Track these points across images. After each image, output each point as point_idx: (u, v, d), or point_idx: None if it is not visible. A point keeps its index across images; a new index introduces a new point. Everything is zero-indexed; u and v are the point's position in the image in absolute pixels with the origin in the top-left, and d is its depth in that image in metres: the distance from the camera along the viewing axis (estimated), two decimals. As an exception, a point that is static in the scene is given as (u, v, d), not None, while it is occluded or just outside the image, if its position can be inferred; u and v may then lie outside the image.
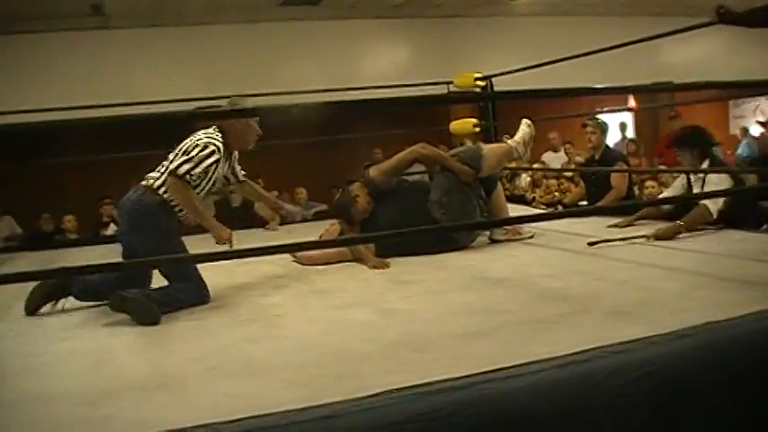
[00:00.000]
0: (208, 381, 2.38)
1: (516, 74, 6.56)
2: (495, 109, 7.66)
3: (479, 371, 2.16)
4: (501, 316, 2.92)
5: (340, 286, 3.89)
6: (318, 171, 11.17)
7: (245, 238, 5.91)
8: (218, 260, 2.96)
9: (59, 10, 9.35)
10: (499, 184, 5.40)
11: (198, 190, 3.72)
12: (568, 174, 9.26)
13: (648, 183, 8.54)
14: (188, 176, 3.63)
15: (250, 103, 6.05)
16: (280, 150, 6.57)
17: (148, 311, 3.26)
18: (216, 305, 3.63)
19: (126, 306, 3.28)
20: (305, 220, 6.80)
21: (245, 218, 6.82)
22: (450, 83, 7.44)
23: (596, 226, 5.06)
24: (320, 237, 5.32)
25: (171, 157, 3.75)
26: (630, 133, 12.99)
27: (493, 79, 7.09)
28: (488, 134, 7.43)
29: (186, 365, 2.58)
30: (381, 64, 11.31)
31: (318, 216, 7.30)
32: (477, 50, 10.98)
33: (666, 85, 9.02)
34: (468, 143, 9.81)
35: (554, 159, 10.77)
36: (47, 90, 8.86)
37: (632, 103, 12.51)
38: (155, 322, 3.23)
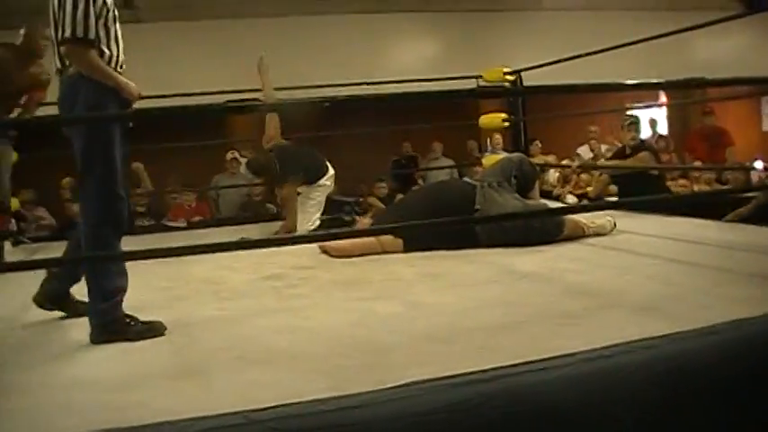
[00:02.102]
0: (234, 369, 2.40)
1: (545, 68, 6.53)
2: (525, 104, 7.62)
3: (504, 364, 2.16)
4: (527, 309, 2.93)
5: (367, 278, 3.91)
6: (346, 165, 11.19)
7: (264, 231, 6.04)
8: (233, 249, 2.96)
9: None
10: (537, 184, 5.37)
11: None
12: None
13: (681, 182, 8.49)
14: None
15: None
16: (307, 144, 6.59)
17: None
18: (243, 295, 3.66)
19: None
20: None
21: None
22: (480, 77, 7.43)
23: (627, 221, 5.03)
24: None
25: None
26: (662, 129, 12.88)
27: (522, 74, 7.06)
28: (517, 129, 7.40)
29: (212, 354, 2.61)
30: (410, 58, 11.30)
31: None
32: (507, 45, 10.94)
33: (698, 80, 8.99)
34: (498, 138, 9.82)
35: (589, 153, 10.71)
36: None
37: (663, 98, 12.40)
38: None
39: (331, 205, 6.42)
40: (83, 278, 3.11)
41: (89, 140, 2.97)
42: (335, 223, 6.12)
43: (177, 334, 2.97)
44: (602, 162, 9.06)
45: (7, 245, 6.10)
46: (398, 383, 2.04)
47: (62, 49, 3.00)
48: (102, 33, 3.03)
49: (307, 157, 6.17)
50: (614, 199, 8.57)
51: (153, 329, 2.97)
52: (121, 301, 3.00)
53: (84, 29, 2.91)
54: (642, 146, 6.75)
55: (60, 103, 3.11)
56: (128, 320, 2.98)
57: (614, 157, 7.25)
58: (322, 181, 6.09)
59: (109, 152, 2.98)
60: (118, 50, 3.19)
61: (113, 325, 2.92)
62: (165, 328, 2.98)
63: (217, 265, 4.36)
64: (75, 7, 2.90)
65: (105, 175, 2.97)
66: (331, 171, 6.19)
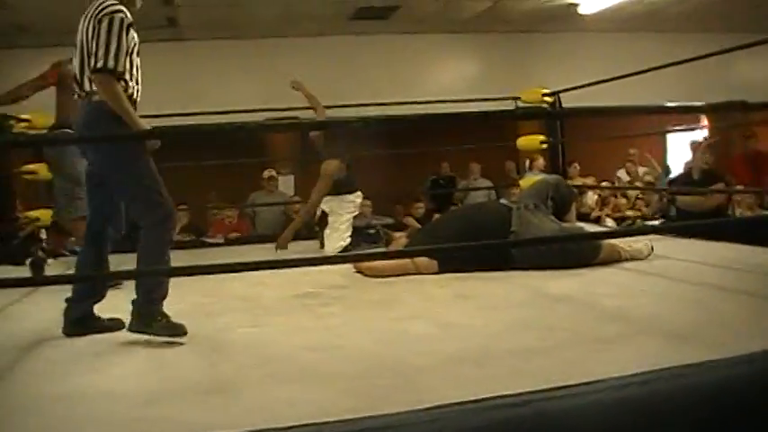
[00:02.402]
0: (264, 386, 2.41)
1: (584, 89, 6.50)
2: (563, 125, 7.59)
3: (536, 388, 2.15)
4: (560, 334, 2.90)
5: (400, 298, 3.90)
6: (384, 185, 11.22)
7: (302, 250, 6.06)
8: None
9: (136, 22, 9.57)
10: (573, 206, 5.33)
11: None
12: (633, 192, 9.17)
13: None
14: None
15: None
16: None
17: None
18: (277, 313, 3.68)
19: None
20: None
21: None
22: (518, 98, 7.42)
23: (665, 245, 4.98)
24: (386, 248, 5.35)
25: None
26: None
27: (561, 95, 7.04)
28: (555, 151, 7.37)
29: (243, 371, 2.62)
30: (450, 78, 11.33)
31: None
32: (546, 66, 10.90)
33: (740, 103, 8.89)
34: (539, 159, 9.77)
35: (627, 176, 10.63)
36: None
37: (705, 121, 12.28)
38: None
39: (360, 228, 6.44)
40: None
41: (117, 161, 3.23)
42: (367, 240, 6.12)
43: (210, 349, 2.99)
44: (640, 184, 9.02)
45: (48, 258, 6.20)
46: (428, 406, 2.03)
47: (93, 77, 3.17)
48: (127, 66, 3.22)
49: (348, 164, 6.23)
50: (655, 223, 8.53)
51: (176, 330, 3.13)
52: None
53: (115, 61, 3.12)
54: (714, 175, 6.65)
55: (85, 126, 3.30)
56: (158, 317, 3.18)
57: (681, 179, 7.15)
58: (352, 197, 6.14)
59: (140, 166, 3.24)
60: (137, 82, 3.36)
61: (148, 318, 3.17)
62: (186, 333, 3.12)
63: (252, 282, 4.38)
64: (109, 40, 3.12)
65: (146, 185, 3.24)
66: (359, 193, 6.25)
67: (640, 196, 9.25)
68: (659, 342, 2.71)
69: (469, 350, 2.73)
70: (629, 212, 9.15)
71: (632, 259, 4.65)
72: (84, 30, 3.24)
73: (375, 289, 4.20)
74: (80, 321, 3.34)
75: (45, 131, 5.77)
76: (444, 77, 11.40)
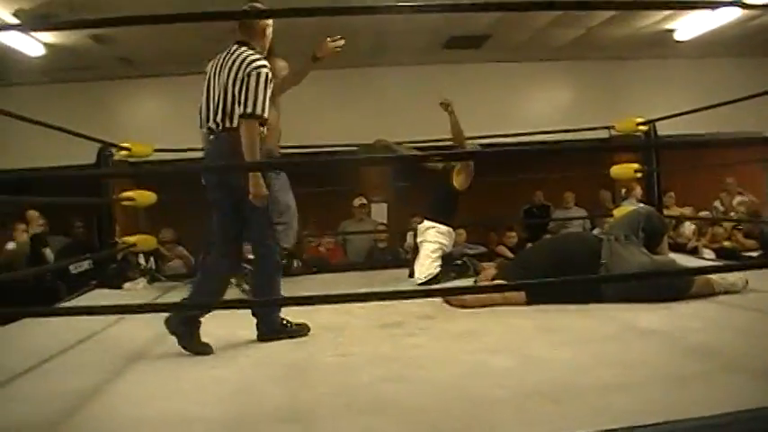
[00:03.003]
0: (339, 416, 2.45)
1: (681, 117, 6.38)
2: (659, 154, 7.44)
3: (615, 426, 2.12)
4: (644, 370, 2.84)
5: (486, 330, 3.88)
6: (477, 213, 11.18)
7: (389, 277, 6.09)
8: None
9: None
10: (665, 238, 5.22)
11: None
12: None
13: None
14: None
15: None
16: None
17: None
18: (361, 342, 3.71)
19: None
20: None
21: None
22: (612, 127, 7.33)
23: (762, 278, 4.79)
24: (475, 281, 5.34)
25: None
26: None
27: (656, 123, 6.92)
28: (650, 180, 7.23)
29: (321, 400, 2.67)
30: (543, 106, 11.26)
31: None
32: (642, 93, 10.73)
33: None
34: (635, 188, 9.59)
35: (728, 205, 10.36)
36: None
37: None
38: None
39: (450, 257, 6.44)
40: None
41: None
42: (456, 269, 6.11)
43: (293, 378, 3.05)
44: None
45: (143, 282, 6.41)
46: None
47: (242, 120, 3.74)
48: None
49: None
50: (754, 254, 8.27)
51: (301, 330, 3.92)
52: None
53: (262, 110, 3.75)
54: None
55: (221, 156, 3.85)
56: (284, 323, 3.91)
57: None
58: (447, 229, 6.12)
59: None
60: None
61: (276, 326, 3.89)
62: (309, 329, 3.91)
63: (339, 310, 4.42)
64: (257, 92, 3.73)
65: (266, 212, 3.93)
66: (452, 230, 6.22)
67: (739, 227, 8.98)
68: (744, 381, 2.63)
69: (549, 384, 2.70)
70: (726, 243, 8.89)
71: (726, 293, 4.52)
72: (229, 72, 3.81)
73: (461, 320, 4.19)
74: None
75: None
76: (537, 105, 11.34)
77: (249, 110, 3.70)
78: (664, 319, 3.88)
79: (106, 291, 5.89)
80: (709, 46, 10.54)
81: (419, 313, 4.38)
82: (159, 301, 5.60)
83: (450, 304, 4.63)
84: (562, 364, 3.04)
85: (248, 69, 3.74)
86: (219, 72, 3.88)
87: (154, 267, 7.36)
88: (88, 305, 4.44)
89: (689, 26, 9.77)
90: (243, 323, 3.97)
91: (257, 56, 3.83)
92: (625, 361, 3.00)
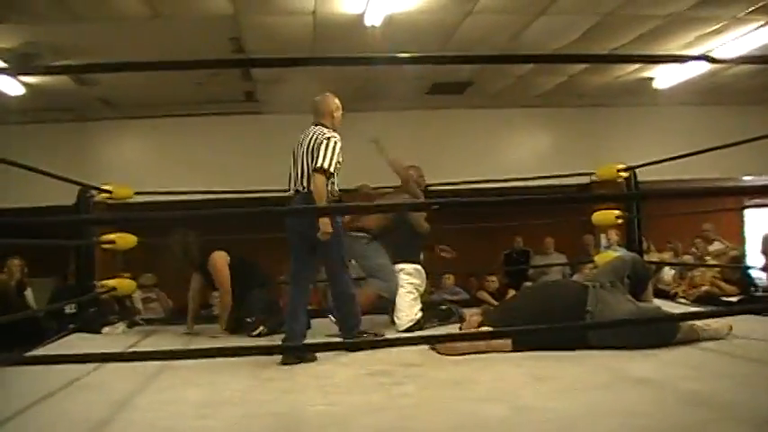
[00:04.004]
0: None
1: (660, 164, 6.44)
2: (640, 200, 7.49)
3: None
4: (639, 420, 2.81)
5: (474, 378, 3.83)
6: (457, 259, 11.17)
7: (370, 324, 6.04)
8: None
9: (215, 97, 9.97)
10: (650, 285, 5.24)
11: None
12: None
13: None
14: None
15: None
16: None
17: None
18: (349, 391, 3.66)
19: None
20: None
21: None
22: (593, 174, 7.37)
23: (757, 325, 4.79)
24: (460, 328, 5.31)
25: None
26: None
27: (637, 169, 6.97)
28: (632, 226, 7.26)
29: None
30: (524, 152, 11.35)
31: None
32: (621, 140, 10.86)
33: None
34: (614, 236, 9.64)
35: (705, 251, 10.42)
36: (200, 171, 9.39)
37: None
38: None
39: (434, 303, 6.41)
40: None
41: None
42: (440, 315, 6.08)
43: (281, 427, 2.99)
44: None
45: (122, 326, 6.32)
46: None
47: (313, 173, 4.87)
48: (332, 170, 4.92)
49: None
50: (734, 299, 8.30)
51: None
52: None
53: (329, 165, 4.87)
54: None
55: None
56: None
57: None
58: (413, 267, 6.14)
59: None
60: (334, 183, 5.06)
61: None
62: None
63: (324, 358, 4.39)
64: (326, 152, 4.88)
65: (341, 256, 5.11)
66: (418, 266, 6.23)
67: (717, 273, 9.03)
68: (744, 430, 2.61)
69: (545, 436, 2.67)
70: (706, 289, 8.93)
71: (711, 339, 4.52)
72: (307, 145, 4.97)
73: (449, 368, 4.14)
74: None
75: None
76: (519, 151, 11.43)
77: (318, 164, 4.83)
78: (653, 367, 3.86)
79: (86, 335, 5.79)
80: (687, 94, 10.72)
81: (406, 361, 4.31)
82: (139, 345, 5.53)
83: (437, 351, 4.59)
84: (555, 414, 2.99)
85: (322, 138, 4.93)
86: (301, 145, 5.05)
87: (133, 312, 7.28)
88: (80, 353, 4.32)
89: (666, 75, 9.92)
90: (230, 371, 3.91)
91: (327, 130, 5.03)
92: (620, 411, 2.97)
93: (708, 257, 10.00)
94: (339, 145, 4.96)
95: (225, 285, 6.07)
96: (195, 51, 7.82)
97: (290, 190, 5.13)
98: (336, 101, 5.30)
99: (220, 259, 6.10)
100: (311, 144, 4.95)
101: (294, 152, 5.12)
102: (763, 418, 2.72)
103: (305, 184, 4.94)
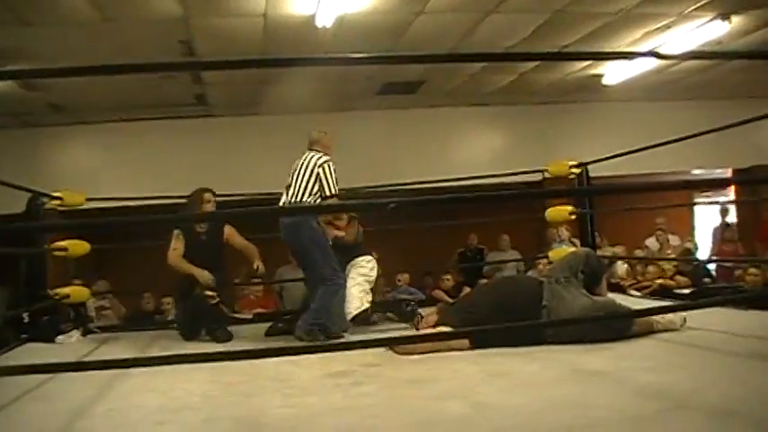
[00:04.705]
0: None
1: (613, 160, 6.51)
2: (592, 196, 7.58)
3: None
4: (598, 412, 2.84)
5: (433, 376, 3.85)
6: (412, 258, 11.21)
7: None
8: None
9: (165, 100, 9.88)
10: (604, 279, 5.30)
11: None
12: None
13: (751, 270, 8.33)
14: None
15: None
16: (377, 237, 6.60)
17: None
18: (309, 392, 3.64)
19: None
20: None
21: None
22: (545, 170, 7.44)
23: (710, 316, 4.86)
24: (416, 328, 5.33)
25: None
26: (732, 218, 12.62)
27: (589, 166, 7.05)
28: (584, 222, 7.35)
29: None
30: (477, 151, 11.41)
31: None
32: (573, 136, 10.99)
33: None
34: (564, 230, 9.74)
35: (657, 245, 10.57)
36: (152, 176, 9.29)
37: (732, 190, 12.26)
38: None
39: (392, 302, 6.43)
40: None
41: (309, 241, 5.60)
42: (405, 316, 6.10)
43: (242, 430, 2.97)
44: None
45: (77, 334, 6.23)
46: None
47: (327, 199, 5.55)
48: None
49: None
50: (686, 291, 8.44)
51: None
52: None
53: (336, 188, 5.57)
54: None
55: (293, 224, 5.55)
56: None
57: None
58: (363, 258, 6.26)
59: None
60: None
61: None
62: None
63: (283, 360, 4.35)
64: (328, 178, 5.56)
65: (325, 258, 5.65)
66: (373, 261, 6.34)
67: (675, 265, 9.19)
68: (700, 418, 2.66)
69: (505, 431, 2.69)
70: (659, 281, 9.08)
71: (665, 330, 4.60)
72: (305, 168, 5.62)
73: (407, 367, 4.15)
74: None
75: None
76: (471, 149, 11.49)
77: (329, 194, 5.55)
78: (609, 360, 3.91)
79: (40, 344, 5.70)
80: (635, 90, 10.86)
81: (364, 361, 4.30)
82: (95, 353, 5.47)
83: (395, 351, 4.59)
84: (515, 410, 3.02)
85: (320, 162, 5.61)
86: (297, 168, 5.69)
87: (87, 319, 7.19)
88: (34, 363, 4.24)
89: (615, 72, 10.05)
90: (189, 376, 3.89)
91: (319, 155, 5.69)
92: (578, 403, 3.00)
93: (669, 251, 10.16)
94: (333, 166, 5.64)
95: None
96: (145, 54, 7.75)
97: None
98: (329, 137, 5.96)
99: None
100: (306, 167, 5.64)
101: (290, 174, 5.76)
102: (718, 407, 2.77)
103: (299, 200, 5.58)
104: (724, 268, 10.22)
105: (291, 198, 5.66)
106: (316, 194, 5.59)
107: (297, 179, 5.67)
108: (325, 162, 5.62)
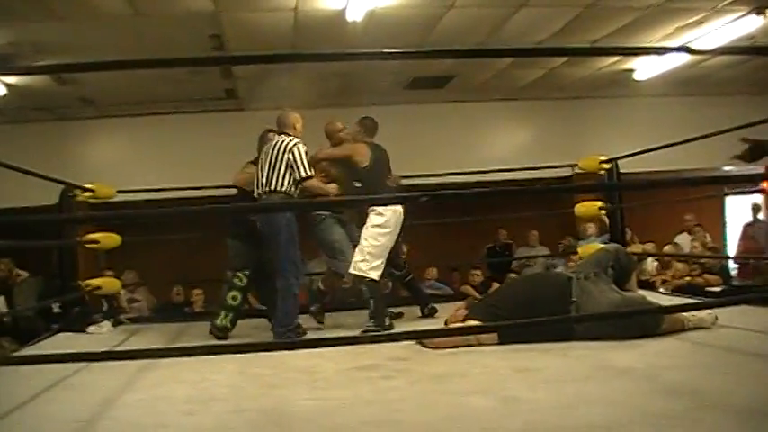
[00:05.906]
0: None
1: (643, 155, 6.47)
2: (621, 191, 7.53)
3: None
4: (624, 409, 2.84)
5: (462, 371, 3.86)
6: (441, 253, 11.17)
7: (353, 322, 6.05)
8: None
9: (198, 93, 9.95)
10: (634, 275, 5.27)
11: None
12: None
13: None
14: None
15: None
16: (408, 232, 6.53)
17: None
18: (338, 385, 3.67)
19: None
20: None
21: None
22: (575, 165, 7.41)
23: (742, 315, 4.84)
24: (446, 322, 5.33)
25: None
26: (762, 215, 12.46)
27: (619, 161, 7.01)
28: (614, 217, 7.31)
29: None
30: (506, 145, 11.38)
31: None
32: (602, 131, 10.91)
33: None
34: (591, 226, 9.67)
35: (688, 242, 10.48)
36: (181, 168, 9.37)
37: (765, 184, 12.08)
38: None
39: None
40: None
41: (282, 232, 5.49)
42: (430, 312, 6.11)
43: (270, 422, 3.00)
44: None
45: (107, 325, 6.30)
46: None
47: (303, 182, 5.56)
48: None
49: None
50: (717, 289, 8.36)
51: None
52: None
53: (309, 169, 5.60)
54: None
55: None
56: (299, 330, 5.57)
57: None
58: (376, 211, 5.79)
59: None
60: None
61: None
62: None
63: (312, 353, 4.38)
64: (302, 160, 5.55)
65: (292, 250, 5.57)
66: (399, 208, 5.85)
67: (702, 261, 9.10)
68: (727, 418, 2.64)
69: (533, 426, 2.70)
70: (688, 279, 9.00)
71: (695, 328, 4.57)
72: (277, 152, 5.57)
73: (436, 361, 4.16)
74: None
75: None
76: (500, 144, 11.45)
77: (302, 175, 5.54)
78: (638, 357, 3.90)
79: (71, 334, 5.78)
80: (666, 85, 10.75)
81: (393, 355, 4.32)
82: (125, 344, 5.53)
83: (424, 345, 4.60)
84: (543, 405, 3.03)
85: (291, 146, 5.56)
86: (268, 153, 5.63)
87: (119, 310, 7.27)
88: (67, 352, 4.29)
89: (647, 67, 9.96)
90: (218, 367, 3.92)
91: (289, 138, 5.64)
92: (606, 400, 2.99)
93: (703, 247, 10.08)
94: (304, 148, 5.62)
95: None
96: (176, 49, 7.80)
97: (255, 193, 5.71)
98: (297, 116, 5.88)
99: None
100: (277, 152, 5.59)
101: (261, 159, 5.72)
102: (748, 407, 2.75)
103: (271, 187, 5.56)
104: (746, 266, 10.08)
105: (266, 185, 5.58)
106: (289, 180, 5.55)
107: (269, 165, 5.59)
108: (294, 145, 5.57)
